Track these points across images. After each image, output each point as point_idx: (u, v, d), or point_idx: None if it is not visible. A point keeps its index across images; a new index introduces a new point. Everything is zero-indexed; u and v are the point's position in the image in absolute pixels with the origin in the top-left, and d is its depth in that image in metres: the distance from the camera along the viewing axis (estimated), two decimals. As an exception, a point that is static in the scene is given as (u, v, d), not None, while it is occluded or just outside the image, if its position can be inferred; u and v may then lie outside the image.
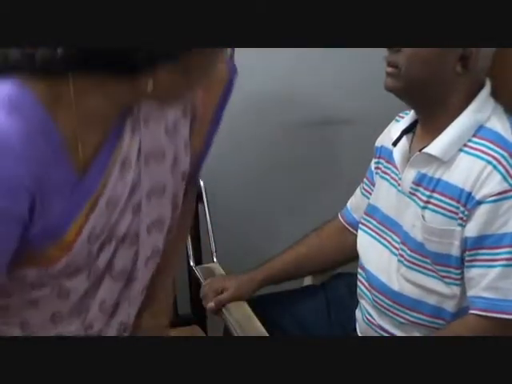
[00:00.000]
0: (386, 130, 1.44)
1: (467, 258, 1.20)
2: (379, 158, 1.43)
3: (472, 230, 1.18)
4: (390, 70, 1.22)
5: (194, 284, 1.78)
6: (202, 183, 1.83)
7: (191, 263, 1.76)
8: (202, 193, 1.83)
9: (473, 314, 1.20)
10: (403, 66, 1.19)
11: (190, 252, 1.78)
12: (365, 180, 1.51)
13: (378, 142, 1.45)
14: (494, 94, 1.26)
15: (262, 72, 1.82)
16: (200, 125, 1.04)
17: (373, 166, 1.47)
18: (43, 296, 0.95)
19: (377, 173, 1.44)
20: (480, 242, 1.17)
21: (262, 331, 1.37)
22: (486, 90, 1.23)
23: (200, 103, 1.01)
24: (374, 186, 1.46)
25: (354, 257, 1.48)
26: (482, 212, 1.16)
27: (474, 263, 1.19)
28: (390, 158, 1.37)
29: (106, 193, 0.90)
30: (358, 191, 1.54)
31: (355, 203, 1.53)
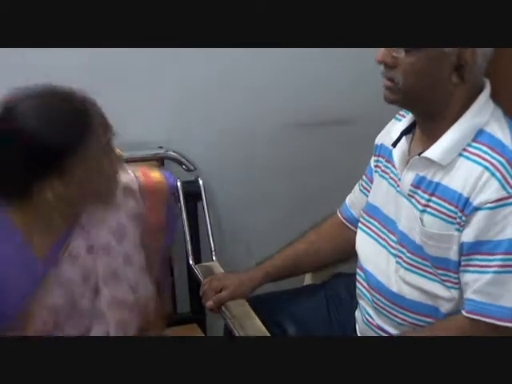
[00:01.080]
0: (386, 128, 1.44)
1: (462, 263, 1.20)
2: (379, 156, 1.43)
3: (468, 235, 1.18)
4: (387, 83, 1.23)
5: (194, 283, 1.77)
6: (201, 182, 1.83)
7: (190, 262, 1.76)
8: (201, 192, 1.83)
9: (462, 315, 1.21)
10: (400, 80, 1.19)
11: (190, 251, 1.78)
12: (364, 177, 1.51)
13: (378, 140, 1.45)
14: (493, 95, 1.25)
15: (262, 72, 1.82)
16: (156, 231, 1.35)
17: (372, 163, 1.47)
18: None
19: (376, 171, 1.43)
20: (475, 248, 1.17)
21: (262, 330, 1.37)
22: (485, 93, 1.23)
23: (147, 215, 1.33)
24: (372, 183, 1.46)
25: (352, 253, 1.47)
26: (478, 218, 1.16)
27: (468, 268, 1.19)
28: (389, 158, 1.37)
29: (59, 275, 1.24)
30: (356, 188, 1.54)
31: (353, 200, 1.53)
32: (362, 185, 1.51)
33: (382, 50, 1.20)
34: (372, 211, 1.41)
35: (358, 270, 1.44)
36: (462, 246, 1.19)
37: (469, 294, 1.20)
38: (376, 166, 1.44)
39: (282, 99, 1.86)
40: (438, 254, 1.23)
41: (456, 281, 1.23)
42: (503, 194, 1.14)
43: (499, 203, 1.14)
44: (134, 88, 1.72)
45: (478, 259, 1.17)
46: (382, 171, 1.39)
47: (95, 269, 1.27)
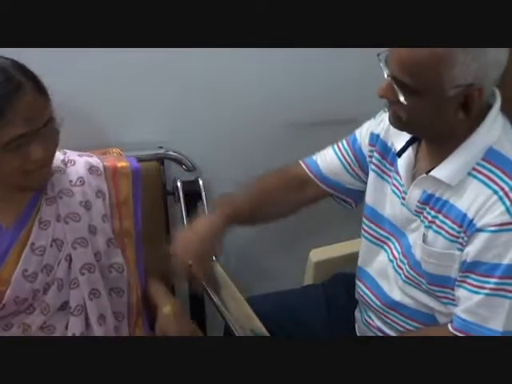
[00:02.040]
0: (380, 117, 1.38)
1: (459, 278, 1.20)
2: (374, 146, 1.38)
3: (468, 254, 1.17)
4: (391, 115, 1.21)
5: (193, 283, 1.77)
6: (201, 182, 1.83)
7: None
8: (200, 192, 1.83)
9: (448, 329, 1.21)
10: (403, 116, 1.17)
11: (189, 251, 1.77)
12: (344, 144, 1.46)
13: (374, 129, 1.39)
14: (502, 105, 1.22)
15: (262, 72, 1.81)
16: (124, 209, 1.44)
17: (365, 151, 1.41)
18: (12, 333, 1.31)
19: (370, 166, 1.39)
20: (473, 267, 1.17)
21: (262, 331, 1.37)
22: (495, 108, 1.20)
23: (113, 193, 1.42)
24: (356, 159, 1.41)
25: (310, 205, 1.51)
26: (479, 239, 1.15)
27: (463, 284, 1.19)
28: (389, 158, 1.34)
29: (30, 242, 1.31)
30: (331, 153, 1.47)
31: (327, 165, 1.47)
32: (340, 153, 1.45)
33: (384, 84, 1.17)
34: (372, 215, 1.39)
35: (357, 272, 1.44)
36: (462, 263, 1.19)
37: (458, 311, 1.20)
38: (370, 157, 1.39)
39: (282, 99, 1.85)
40: (438, 271, 1.22)
41: (454, 297, 1.23)
42: (507, 218, 1.12)
43: (502, 227, 1.13)
44: (133, 88, 1.72)
45: (473, 278, 1.17)
46: (382, 171, 1.37)
47: (65, 236, 1.34)
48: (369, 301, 1.38)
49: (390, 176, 1.34)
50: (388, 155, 1.35)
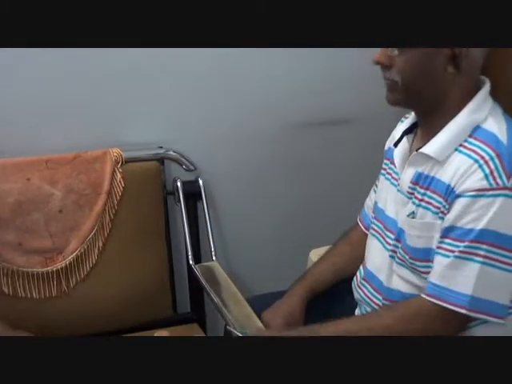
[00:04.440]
0: (393, 133, 1.45)
1: (437, 245, 1.21)
2: (387, 159, 1.44)
3: (447, 220, 1.19)
4: (388, 83, 1.24)
5: (194, 282, 1.78)
6: (201, 182, 1.84)
7: (190, 262, 1.76)
8: (201, 192, 1.83)
9: (421, 296, 1.22)
10: (398, 79, 1.22)
11: (190, 251, 1.78)
12: (377, 182, 1.52)
13: (386, 145, 1.46)
14: (494, 94, 1.26)
15: (262, 72, 1.82)
16: None
17: (383, 168, 1.47)
18: None
19: (382, 173, 1.45)
20: (448, 232, 1.18)
21: (262, 330, 1.37)
22: (484, 90, 1.24)
23: None
24: None
25: None
26: (458, 205, 1.16)
27: (438, 250, 1.20)
28: (391, 157, 1.38)
29: None
30: (371, 193, 1.54)
31: (370, 205, 1.53)
32: (375, 190, 1.52)
33: (378, 52, 1.22)
34: (377, 212, 1.42)
35: (360, 267, 1.45)
36: (441, 231, 1.20)
37: (431, 277, 1.21)
38: (383, 169, 1.45)
39: (282, 99, 1.86)
40: (420, 244, 1.24)
41: None
42: (484, 184, 1.14)
43: (479, 193, 1.14)
44: (134, 88, 1.72)
45: (446, 243, 1.18)
46: (387, 173, 1.41)
47: None
48: (371, 297, 1.38)
49: (390, 173, 1.38)
50: (391, 157, 1.39)
